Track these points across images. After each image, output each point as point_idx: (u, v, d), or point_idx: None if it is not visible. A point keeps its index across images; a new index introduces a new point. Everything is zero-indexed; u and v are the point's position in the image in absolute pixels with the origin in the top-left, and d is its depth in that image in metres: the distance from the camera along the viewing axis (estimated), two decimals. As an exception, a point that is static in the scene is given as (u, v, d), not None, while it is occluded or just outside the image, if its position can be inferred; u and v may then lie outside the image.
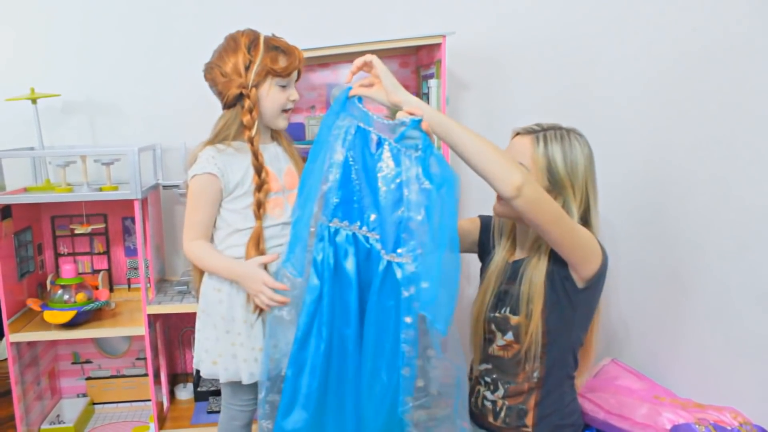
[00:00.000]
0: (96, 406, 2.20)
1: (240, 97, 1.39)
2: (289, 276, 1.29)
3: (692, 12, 1.64)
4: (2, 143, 2.02)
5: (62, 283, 1.90)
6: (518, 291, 1.38)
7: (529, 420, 1.39)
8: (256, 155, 1.38)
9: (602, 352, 1.86)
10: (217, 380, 1.47)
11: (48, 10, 2.06)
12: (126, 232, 2.15)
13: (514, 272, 1.42)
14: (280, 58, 1.39)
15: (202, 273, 1.46)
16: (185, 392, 2.18)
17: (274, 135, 1.50)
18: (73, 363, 2.19)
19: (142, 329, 1.88)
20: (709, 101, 1.57)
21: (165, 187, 2.09)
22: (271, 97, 1.40)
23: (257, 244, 1.38)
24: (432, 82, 1.80)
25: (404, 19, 2.10)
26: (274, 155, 1.46)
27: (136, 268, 2.16)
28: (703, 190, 1.59)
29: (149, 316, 1.88)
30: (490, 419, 1.44)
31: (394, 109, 2.04)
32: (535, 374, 1.39)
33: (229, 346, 1.42)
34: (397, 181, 1.18)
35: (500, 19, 2.12)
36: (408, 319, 1.16)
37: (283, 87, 1.41)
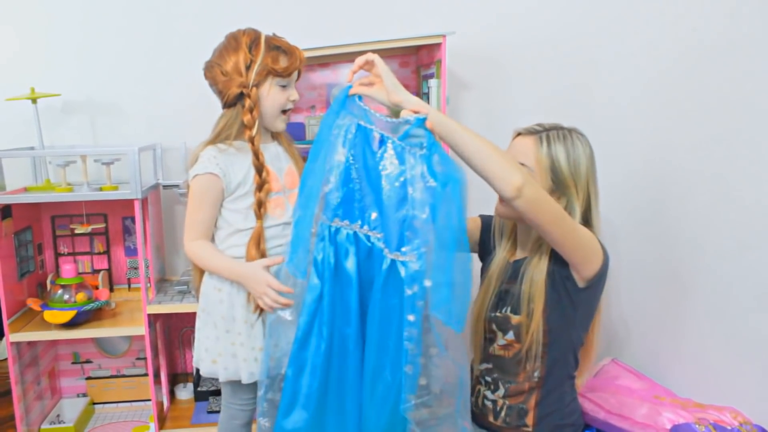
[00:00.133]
0: (96, 406, 2.20)
1: (240, 96, 1.38)
2: (290, 277, 1.29)
3: (692, 12, 1.64)
4: (2, 143, 2.03)
5: (62, 283, 1.90)
6: (519, 290, 1.38)
7: (529, 419, 1.39)
8: (257, 155, 1.38)
9: (603, 352, 1.85)
10: (217, 380, 1.47)
11: (48, 9, 2.06)
12: (126, 232, 2.15)
13: (515, 272, 1.42)
14: (281, 58, 1.39)
15: (202, 272, 1.46)
16: (185, 392, 2.18)
17: (275, 135, 1.50)
18: (73, 363, 2.19)
19: (142, 329, 1.88)
20: (709, 101, 1.57)
21: (165, 186, 2.09)
22: (272, 96, 1.40)
23: (258, 243, 1.38)
24: (432, 82, 1.81)
25: (404, 19, 2.10)
26: (275, 155, 1.46)
27: (136, 268, 2.16)
28: (704, 189, 1.59)
29: (149, 315, 1.88)
30: (491, 419, 1.44)
31: (394, 109, 2.04)
32: (536, 374, 1.39)
33: (229, 345, 1.42)
34: (401, 179, 1.18)
35: (500, 18, 2.12)
36: (411, 317, 1.16)
37: (284, 87, 1.41)
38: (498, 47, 2.13)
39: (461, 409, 1.23)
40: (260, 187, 1.38)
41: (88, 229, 2.08)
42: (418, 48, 2.01)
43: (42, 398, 2.04)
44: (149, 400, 2.10)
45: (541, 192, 1.21)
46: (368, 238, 1.23)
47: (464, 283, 1.15)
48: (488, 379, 1.45)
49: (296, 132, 2.00)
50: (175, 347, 2.25)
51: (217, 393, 2.10)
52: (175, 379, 2.24)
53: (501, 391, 1.42)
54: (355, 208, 1.24)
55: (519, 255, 1.46)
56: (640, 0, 1.88)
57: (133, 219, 2.11)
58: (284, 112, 1.44)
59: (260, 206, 1.38)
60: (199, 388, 2.15)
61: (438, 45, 1.79)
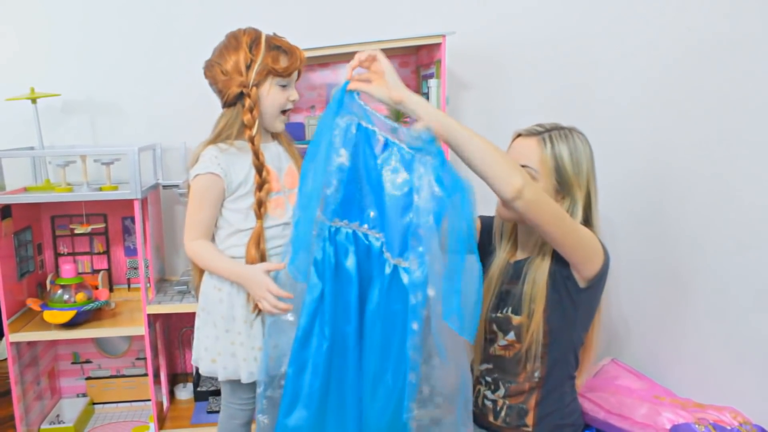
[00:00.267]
0: (96, 406, 2.20)
1: (240, 95, 1.38)
2: (290, 278, 1.29)
3: (691, 12, 1.64)
4: (2, 143, 2.03)
5: (62, 283, 1.90)
6: (521, 291, 1.38)
7: (529, 419, 1.39)
8: (257, 154, 1.38)
9: (602, 352, 1.86)
10: (216, 379, 1.47)
11: (48, 9, 2.07)
12: (126, 232, 2.15)
13: (515, 272, 1.42)
14: (281, 58, 1.39)
15: (202, 272, 1.46)
16: (185, 392, 2.18)
17: (275, 134, 1.50)
18: (72, 363, 2.19)
19: (141, 329, 1.88)
20: (709, 101, 1.57)
21: (165, 186, 2.09)
22: (272, 96, 1.40)
23: (257, 243, 1.38)
24: (432, 82, 1.81)
25: (404, 19, 2.10)
26: (276, 154, 1.46)
27: (135, 268, 2.16)
28: (704, 189, 1.59)
29: (149, 315, 1.88)
30: (491, 419, 1.44)
31: (394, 109, 2.04)
32: (536, 374, 1.39)
33: (228, 345, 1.41)
34: (406, 188, 1.18)
35: (500, 18, 2.12)
36: (414, 326, 1.16)
37: (284, 87, 1.41)
38: (498, 47, 2.13)
39: (462, 415, 1.22)
40: (260, 186, 1.38)
41: (88, 229, 2.08)
42: (418, 48, 2.01)
43: (42, 398, 2.04)
44: (149, 400, 2.10)
45: (540, 193, 1.21)
46: (366, 236, 1.23)
47: (474, 293, 1.15)
48: (488, 379, 1.45)
49: (296, 132, 2.00)
50: (174, 347, 2.25)
51: (216, 393, 2.10)
52: (174, 379, 2.24)
53: (501, 391, 1.42)
54: (355, 208, 1.24)
55: (519, 256, 1.46)
56: (639, 0, 1.88)
57: (132, 219, 2.11)
58: (284, 112, 1.44)
59: (260, 206, 1.38)
60: (198, 388, 2.15)
61: (438, 45, 1.79)
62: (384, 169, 1.21)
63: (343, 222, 1.24)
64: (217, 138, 1.41)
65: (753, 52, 1.43)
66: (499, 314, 1.42)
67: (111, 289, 2.14)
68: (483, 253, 1.57)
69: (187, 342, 2.23)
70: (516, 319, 1.38)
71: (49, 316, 1.84)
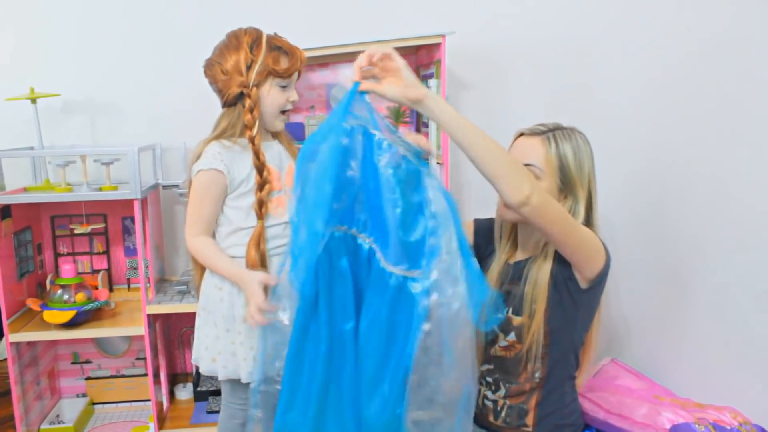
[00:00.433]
0: (96, 406, 2.20)
1: (240, 96, 1.38)
2: (291, 287, 1.26)
3: (691, 12, 1.64)
4: (2, 143, 2.03)
5: (62, 283, 1.90)
6: (522, 292, 1.38)
7: (529, 419, 1.39)
8: (257, 154, 1.38)
9: (602, 352, 1.86)
10: (216, 380, 1.47)
11: (48, 9, 2.06)
12: (126, 232, 2.15)
13: (516, 273, 1.42)
14: (282, 59, 1.39)
15: (202, 271, 1.46)
16: (185, 392, 2.18)
17: (275, 134, 1.50)
18: (72, 363, 2.19)
19: (141, 329, 1.88)
20: (709, 101, 1.57)
21: (165, 186, 2.09)
22: (271, 97, 1.40)
23: (258, 244, 1.38)
24: (432, 82, 1.81)
25: (404, 19, 2.10)
26: (277, 153, 1.46)
27: (135, 268, 2.16)
28: (704, 189, 1.59)
29: (149, 316, 1.88)
30: (491, 418, 1.44)
31: (394, 110, 2.04)
32: (537, 374, 1.39)
33: (228, 344, 1.42)
34: (415, 199, 1.16)
35: (500, 18, 2.12)
36: (426, 327, 1.14)
37: (284, 87, 1.41)
38: (498, 47, 2.13)
39: (463, 419, 1.22)
40: (261, 186, 1.38)
41: (88, 229, 2.08)
42: (418, 48, 2.01)
43: (41, 398, 2.04)
44: (149, 400, 2.10)
45: (546, 197, 1.21)
46: (355, 239, 1.21)
47: (479, 284, 1.15)
48: (489, 379, 1.45)
49: (296, 132, 1.99)
50: (174, 347, 2.25)
51: (216, 393, 2.10)
52: (174, 379, 2.24)
53: (502, 392, 1.42)
54: (348, 212, 1.21)
55: (519, 256, 1.46)
56: (639, 0, 1.88)
57: (132, 219, 2.11)
58: (284, 112, 1.44)
59: (261, 206, 1.38)
60: (198, 388, 2.15)
61: (437, 45, 1.79)
62: (386, 176, 1.16)
63: (343, 227, 1.22)
64: (219, 137, 1.41)
65: (753, 53, 1.43)
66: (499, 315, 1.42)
67: (111, 289, 2.14)
68: (481, 255, 1.57)
69: (187, 342, 2.23)
70: (517, 320, 1.38)
71: (48, 316, 1.84)
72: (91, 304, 1.88)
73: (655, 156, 1.78)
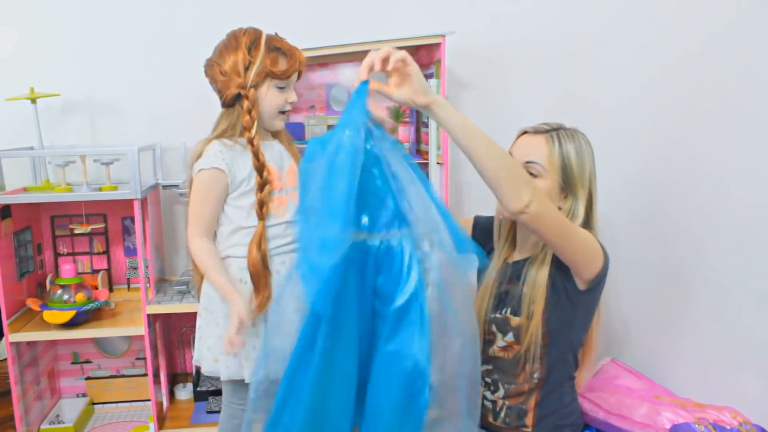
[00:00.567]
0: (95, 406, 2.20)
1: (238, 97, 1.38)
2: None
3: (691, 11, 1.64)
4: (2, 143, 2.03)
5: (62, 283, 1.90)
6: (520, 292, 1.38)
7: (528, 420, 1.40)
8: (256, 155, 1.38)
9: (602, 352, 1.85)
10: (216, 379, 1.47)
11: (48, 9, 2.07)
12: (125, 232, 2.15)
13: (514, 273, 1.42)
14: (280, 60, 1.38)
15: None
16: (185, 392, 2.18)
17: (275, 133, 1.50)
18: (72, 363, 2.19)
19: (141, 329, 1.88)
20: (709, 101, 1.57)
21: (165, 186, 2.09)
22: (269, 98, 1.40)
23: (259, 244, 1.38)
24: (431, 82, 1.80)
25: (404, 19, 2.10)
26: (277, 153, 1.46)
27: (135, 268, 2.16)
28: (703, 189, 1.59)
29: (149, 315, 1.88)
30: (490, 419, 1.44)
31: (394, 110, 2.04)
32: (536, 375, 1.39)
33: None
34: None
35: (500, 18, 2.12)
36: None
37: (282, 89, 1.41)
38: (498, 47, 2.13)
39: (470, 407, 1.21)
40: (261, 187, 1.38)
41: (88, 229, 2.08)
42: (418, 48, 2.01)
43: (41, 398, 2.04)
44: (149, 400, 2.10)
45: (545, 206, 1.21)
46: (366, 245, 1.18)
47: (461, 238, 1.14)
48: (488, 380, 1.45)
49: (296, 132, 2.00)
50: (174, 347, 2.25)
51: (216, 393, 2.10)
52: (174, 379, 2.24)
53: (501, 392, 1.42)
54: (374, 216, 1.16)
55: (517, 256, 1.46)
56: (640, 0, 1.88)
57: (132, 219, 2.11)
58: (283, 112, 1.44)
59: (262, 206, 1.38)
60: (198, 388, 2.15)
61: (437, 45, 1.79)
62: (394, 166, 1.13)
63: (355, 232, 1.18)
64: (220, 137, 1.41)
65: (754, 53, 1.43)
66: (497, 315, 1.42)
67: (111, 289, 2.14)
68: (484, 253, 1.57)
69: (186, 342, 2.23)
70: (515, 320, 1.39)
71: (48, 316, 1.84)
72: (91, 304, 1.88)
73: (654, 156, 1.78)
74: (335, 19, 2.10)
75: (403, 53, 1.12)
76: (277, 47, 1.38)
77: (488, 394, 1.45)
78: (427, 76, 1.94)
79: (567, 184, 1.35)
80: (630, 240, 1.88)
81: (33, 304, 1.88)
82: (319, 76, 2.10)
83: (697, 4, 1.62)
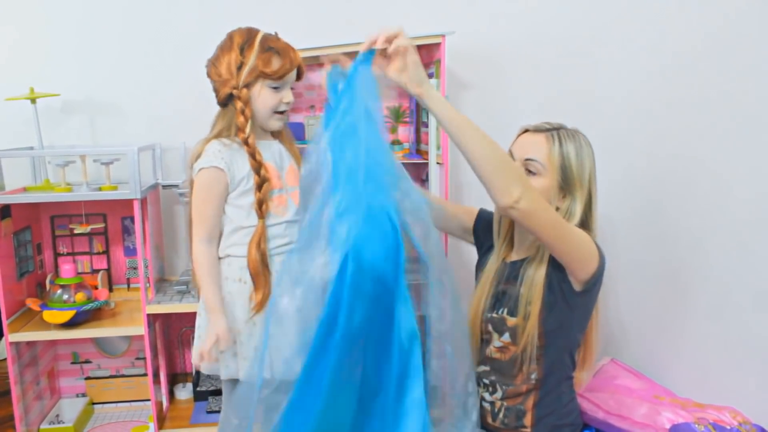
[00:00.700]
0: (95, 406, 2.20)
1: (231, 97, 1.38)
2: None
3: (691, 9, 1.64)
4: (1, 143, 2.03)
5: (61, 283, 1.90)
6: (517, 292, 1.38)
7: (527, 420, 1.40)
8: (252, 155, 1.38)
9: (602, 352, 1.85)
10: (216, 379, 1.47)
11: (47, 9, 2.07)
12: (125, 232, 2.15)
13: (512, 273, 1.42)
14: (273, 60, 1.37)
15: None
16: (185, 392, 2.18)
17: (275, 133, 1.50)
18: (72, 363, 2.19)
19: (141, 329, 1.88)
20: (709, 100, 1.57)
21: (164, 186, 2.09)
22: (263, 98, 1.39)
23: (258, 243, 1.37)
24: (431, 82, 1.80)
25: (404, 19, 2.08)
26: (277, 152, 1.46)
27: (135, 268, 2.16)
28: (703, 188, 1.59)
29: (149, 315, 1.88)
30: (489, 420, 1.44)
31: (394, 110, 2.02)
32: (533, 376, 1.39)
33: (230, 344, 1.41)
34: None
35: (500, 18, 2.12)
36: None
37: (276, 89, 1.39)
38: (497, 47, 2.13)
39: (469, 409, 1.21)
40: (259, 186, 1.38)
41: (88, 229, 2.08)
42: (418, 48, 1.99)
43: (41, 398, 2.04)
44: (148, 400, 2.10)
45: (536, 203, 1.21)
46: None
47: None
48: (486, 381, 1.45)
49: (296, 132, 1.99)
50: (174, 347, 2.25)
51: (216, 393, 2.10)
52: (174, 379, 2.24)
53: (499, 393, 1.42)
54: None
55: (515, 256, 1.46)
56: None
57: (132, 219, 2.11)
58: (281, 112, 1.43)
59: (261, 205, 1.38)
60: (198, 388, 2.15)
61: (437, 45, 1.79)
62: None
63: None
64: (217, 137, 1.41)
65: (753, 51, 1.43)
66: (494, 315, 1.42)
67: (110, 289, 2.14)
68: (479, 245, 1.57)
69: (186, 342, 2.23)
70: (511, 321, 1.39)
71: (48, 316, 1.84)
72: (91, 304, 1.88)
73: (654, 156, 1.78)
74: (335, 19, 2.10)
75: (407, 42, 1.18)
76: (270, 47, 1.37)
77: (486, 395, 1.45)
78: (427, 76, 1.94)
79: (566, 184, 1.35)
80: (629, 240, 1.88)
81: (33, 304, 1.88)
82: (319, 76, 2.08)
83: (696, 3, 1.62)
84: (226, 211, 1.41)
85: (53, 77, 2.05)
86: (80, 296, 1.89)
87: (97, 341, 2.18)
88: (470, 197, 2.13)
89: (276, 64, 1.37)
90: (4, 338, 1.84)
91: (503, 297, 1.42)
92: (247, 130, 1.38)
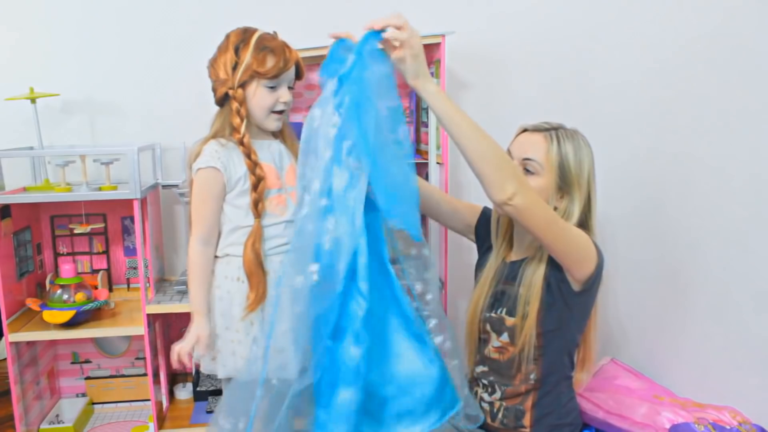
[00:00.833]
0: (95, 406, 2.20)
1: (227, 96, 1.38)
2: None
3: (691, 8, 1.64)
4: (1, 143, 2.02)
5: (61, 283, 1.90)
6: (516, 292, 1.38)
7: (526, 420, 1.40)
8: (248, 155, 1.38)
9: (601, 352, 1.86)
10: (216, 379, 1.47)
11: (47, 9, 2.06)
12: (125, 232, 2.15)
13: (511, 273, 1.42)
14: (267, 60, 1.36)
15: None
16: (184, 392, 2.18)
17: (276, 132, 1.50)
18: (72, 363, 2.19)
19: (141, 329, 1.88)
20: (710, 98, 1.57)
21: (164, 186, 2.09)
22: (258, 98, 1.39)
23: (253, 243, 1.38)
24: (431, 82, 1.80)
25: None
26: (277, 152, 1.46)
27: (135, 268, 2.16)
28: (703, 188, 1.59)
29: (148, 315, 1.87)
30: (488, 420, 1.44)
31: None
32: (532, 376, 1.39)
33: (228, 342, 1.42)
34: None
35: (500, 18, 2.12)
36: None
37: (272, 88, 1.39)
38: (497, 47, 2.13)
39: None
40: (255, 186, 1.38)
41: (87, 229, 2.08)
42: (418, 48, 2.00)
43: (41, 398, 2.04)
44: (148, 400, 2.10)
45: (532, 201, 1.21)
46: None
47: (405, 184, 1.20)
48: (485, 381, 1.45)
49: (296, 131, 1.99)
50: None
51: (216, 393, 2.10)
52: (174, 379, 2.24)
53: (497, 394, 1.43)
54: None
55: (515, 256, 1.46)
56: (639, -1, 1.88)
57: (132, 219, 2.11)
58: (276, 112, 1.43)
59: (256, 205, 1.38)
60: (198, 388, 2.15)
61: (437, 44, 1.79)
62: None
63: None
64: (215, 137, 1.41)
65: (753, 48, 1.43)
66: (493, 314, 1.42)
67: (110, 289, 2.14)
68: (480, 243, 1.58)
69: (186, 342, 2.23)
70: (510, 321, 1.39)
71: (48, 315, 1.84)
72: (91, 304, 1.88)
73: (655, 154, 1.78)
74: (335, 19, 2.09)
75: (405, 36, 1.19)
76: (265, 46, 1.37)
77: (485, 395, 1.45)
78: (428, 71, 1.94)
79: (564, 184, 1.35)
80: (629, 239, 1.89)
81: (33, 303, 1.88)
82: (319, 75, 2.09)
83: (696, 2, 1.62)
84: (224, 211, 1.42)
85: (53, 77, 2.05)
86: (80, 296, 1.89)
87: (97, 341, 2.18)
88: (470, 197, 2.12)
89: (270, 62, 1.37)
90: (4, 338, 1.84)
91: (502, 297, 1.42)
92: (242, 129, 1.38)
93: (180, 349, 1.38)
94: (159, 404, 2.01)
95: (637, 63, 1.87)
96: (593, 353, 1.51)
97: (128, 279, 2.17)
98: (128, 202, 1.85)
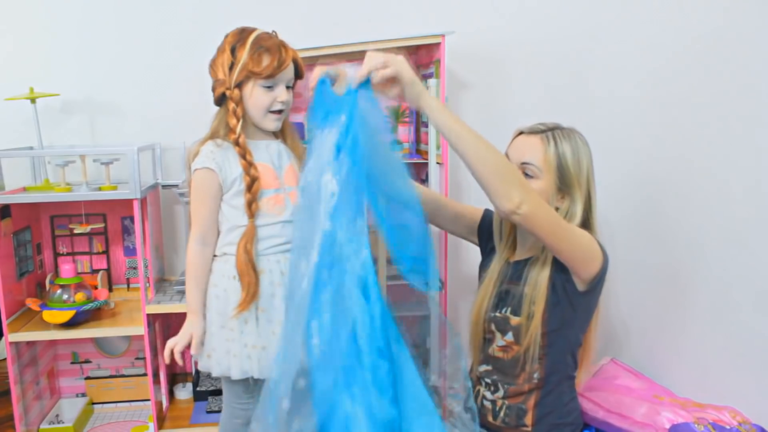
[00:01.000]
0: (95, 406, 2.20)
1: (224, 96, 1.38)
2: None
3: (690, 9, 1.64)
4: (1, 143, 2.02)
5: (61, 283, 1.90)
6: (521, 292, 1.38)
7: (528, 419, 1.40)
8: (243, 155, 1.38)
9: (601, 352, 1.86)
10: (216, 379, 1.47)
11: (47, 9, 2.06)
12: (125, 232, 2.15)
13: (515, 273, 1.42)
14: (263, 59, 1.36)
15: None
16: (184, 392, 2.18)
17: (278, 132, 1.49)
18: (72, 363, 2.19)
19: (141, 329, 1.88)
20: (710, 99, 1.57)
21: (164, 186, 2.09)
22: (254, 98, 1.38)
23: (246, 243, 1.37)
24: (431, 82, 1.80)
25: (403, 19, 2.10)
26: (276, 152, 1.45)
27: (135, 268, 2.16)
28: (703, 188, 1.59)
29: (148, 315, 1.87)
30: (490, 418, 1.44)
31: (394, 110, 2.03)
32: (535, 375, 1.39)
33: (223, 341, 1.42)
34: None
35: (499, 18, 2.12)
36: None
37: (269, 88, 1.38)
38: (497, 47, 2.13)
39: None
40: (249, 187, 1.38)
41: (87, 229, 2.08)
42: (417, 47, 2.01)
43: (41, 398, 2.04)
44: (148, 400, 2.10)
45: (537, 206, 1.21)
46: None
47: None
48: (488, 380, 1.45)
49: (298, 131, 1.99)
50: (174, 347, 2.24)
51: (216, 393, 2.10)
52: (174, 379, 2.24)
53: (500, 392, 1.43)
54: None
55: (519, 256, 1.46)
56: (639, -1, 1.88)
57: (132, 219, 2.11)
58: (274, 112, 1.42)
59: (249, 206, 1.38)
60: (198, 388, 2.15)
61: (437, 45, 1.79)
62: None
63: None
64: (213, 137, 1.41)
65: (752, 50, 1.43)
66: (497, 314, 1.42)
67: (110, 289, 2.14)
68: (483, 244, 1.57)
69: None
70: (515, 320, 1.39)
71: (48, 315, 1.84)
72: (91, 304, 1.88)
73: (655, 155, 1.79)
74: (335, 19, 2.10)
75: (393, 72, 1.19)
76: (261, 46, 1.37)
77: (488, 394, 1.45)
78: (427, 76, 1.94)
79: (564, 185, 1.35)
80: (629, 240, 1.89)
81: (32, 303, 1.88)
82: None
83: (696, 3, 1.62)
84: (222, 210, 1.42)
85: (53, 77, 2.05)
86: (80, 296, 1.89)
87: (96, 341, 2.18)
88: (470, 197, 2.13)
89: (265, 62, 1.36)
90: (3, 338, 1.84)
91: (507, 296, 1.42)
92: (237, 130, 1.37)
93: (173, 345, 1.41)
94: (159, 404, 2.01)
95: (637, 63, 1.87)
96: (592, 352, 1.51)
97: (128, 279, 2.17)
98: (128, 202, 1.85)
